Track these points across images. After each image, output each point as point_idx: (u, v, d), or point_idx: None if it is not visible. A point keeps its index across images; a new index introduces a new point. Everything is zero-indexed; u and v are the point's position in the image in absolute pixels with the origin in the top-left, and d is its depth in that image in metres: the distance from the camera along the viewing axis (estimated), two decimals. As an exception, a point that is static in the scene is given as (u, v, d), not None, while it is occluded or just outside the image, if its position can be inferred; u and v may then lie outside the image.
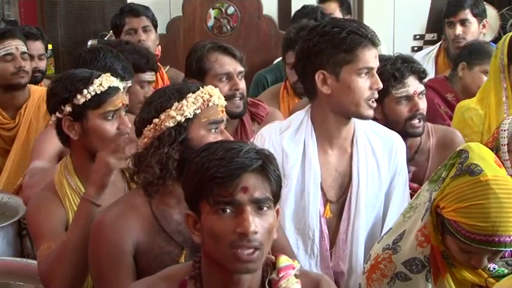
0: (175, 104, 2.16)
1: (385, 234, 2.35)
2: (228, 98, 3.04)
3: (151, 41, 4.28)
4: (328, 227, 2.62)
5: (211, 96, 2.19)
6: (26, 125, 3.87)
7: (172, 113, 2.15)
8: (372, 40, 2.50)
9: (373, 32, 2.53)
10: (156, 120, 2.17)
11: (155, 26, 4.38)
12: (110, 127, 2.46)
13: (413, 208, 2.28)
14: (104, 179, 2.31)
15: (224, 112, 2.23)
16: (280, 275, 1.82)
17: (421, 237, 2.19)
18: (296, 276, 1.84)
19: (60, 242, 2.33)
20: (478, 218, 2.01)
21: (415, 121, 3.02)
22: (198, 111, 2.16)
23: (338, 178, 2.63)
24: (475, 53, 3.85)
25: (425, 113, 3.06)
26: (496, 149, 2.55)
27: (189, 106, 2.16)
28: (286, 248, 2.43)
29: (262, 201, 1.75)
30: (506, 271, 2.14)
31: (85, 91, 2.44)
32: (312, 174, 2.58)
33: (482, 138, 3.15)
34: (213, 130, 2.18)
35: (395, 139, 2.70)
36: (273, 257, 1.86)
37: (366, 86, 2.50)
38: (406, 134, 3.00)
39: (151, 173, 2.15)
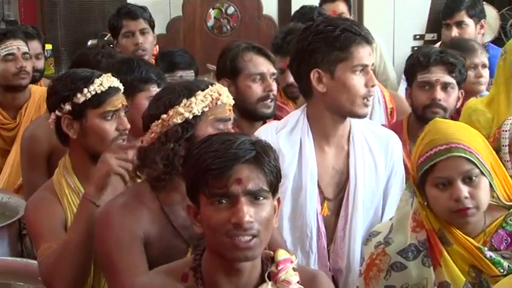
0: (184, 100, 2.18)
1: (372, 236, 2.38)
2: (261, 99, 3.08)
3: (148, 43, 4.26)
4: (326, 225, 2.62)
5: (220, 94, 2.20)
6: (26, 125, 3.86)
7: (180, 109, 2.17)
8: (365, 38, 2.51)
9: (367, 30, 2.55)
10: (164, 116, 2.18)
11: (152, 27, 4.36)
12: (109, 127, 2.47)
13: (398, 208, 2.35)
14: (104, 180, 2.32)
15: (231, 111, 2.24)
16: (279, 268, 1.84)
17: (413, 222, 2.25)
18: (294, 269, 1.86)
19: (61, 242, 2.33)
20: (430, 135, 2.18)
21: (433, 109, 3.08)
22: (206, 109, 2.18)
23: (335, 176, 2.63)
24: (456, 49, 3.87)
25: (448, 105, 3.10)
26: (497, 150, 2.55)
27: (197, 104, 2.17)
28: (281, 246, 2.43)
29: (257, 193, 1.77)
30: (502, 260, 2.15)
31: (85, 90, 2.45)
32: (309, 172, 2.58)
33: (488, 141, 3.13)
34: (220, 129, 2.19)
35: (391, 138, 2.70)
36: (271, 252, 1.88)
37: (361, 83, 2.50)
38: (424, 120, 3.03)
39: (154, 168, 2.16)
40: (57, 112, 2.48)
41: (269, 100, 3.14)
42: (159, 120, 2.19)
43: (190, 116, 2.17)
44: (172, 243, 2.17)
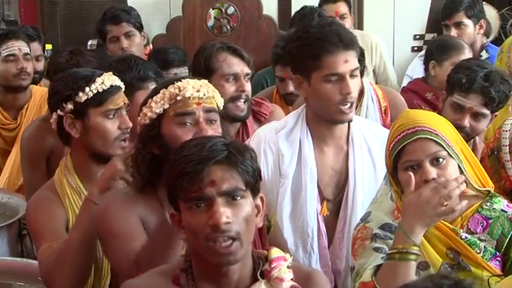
0: (149, 100, 2.21)
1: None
2: (233, 99, 3.07)
3: (135, 45, 4.23)
4: (326, 226, 2.63)
5: (180, 90, 2.18)
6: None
7: (145, 109, 2.21)
8: (343, 44, 2.49)
9: (348, 35, 2.52)
10: (138, 118, 2.23)
11: (139, 28, 4.33)
12: (111, 126, 2.47)
13: (376, 202, 2.37)
14: (109, 182, 2.34)
15: (202, 104, 2.20)
16: (272, 266, 1.84)
17: (395, 211, 2.27)
18: (288, 267, 1.86)
19: (62, 242, 2.33)
20: (399, 121, 2.25)
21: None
22: (166, 107, 2.18)
23: (334, 176, 2.64)
24: (440, 49, 3.88)
25: (473, 132, 3.04)
26: (497, 150, 2.56)
27: (157, 102, 2.19)
28: (283, 247, 2.44)
29: (233, 193, 1.77)
30: (478, 241, 2.19)
31: (87, 89, 2.45)
32: (309, 172, 2.59)
33: (487, 141, 3.14)
34: (186, 123, 2.17)
35: None
36: (265, 251, 1.88)
37: (334, 92, 2.51)
38: None
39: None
40: (59, 111, 2.48)
41: (242, 101, 3.13)
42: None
43: (154, 116, 2.19)
44: (167, 240, 2.16)
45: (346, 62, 2.50)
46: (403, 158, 2.20)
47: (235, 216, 1.76)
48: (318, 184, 2.62)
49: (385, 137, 2.66)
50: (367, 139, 2.66)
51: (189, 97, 2.18)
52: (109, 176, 2.34)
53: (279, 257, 1.86)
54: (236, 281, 1.83)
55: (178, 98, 2.18)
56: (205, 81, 2.26)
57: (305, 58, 2.53)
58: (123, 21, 4.25)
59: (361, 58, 3.40)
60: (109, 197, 2.25)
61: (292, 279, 1.84)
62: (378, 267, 2.18)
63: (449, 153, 2.19)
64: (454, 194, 2.10)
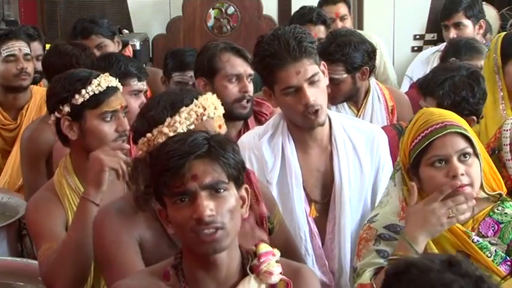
0: (168, 119, 2.09)
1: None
2: (237, 100, 3.07)
3: None
4: (318, 227, 2.62)
5: (205, 108, 2.12)
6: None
7: (164, 129, 2.08)
8: (292, 56, 2.45)
9: (298, 44, 2.46)
10: (149, 135, 2.10)
11: (112, 36, 4.29)
12: (108, 128, 2.47)
13: (382, 203, 2.35)
14: (99, 177, 2.32)
15: (223, 126, 2.16)
16: (261, 260, 1.86)
17: (401, 211, 2.26)
18: (277, 262, 1.88)
19: (61, 242, 2.34)
20: (423, 117, 2.22)
21: None
22: (191, 127, 2.10)
23: (320, 178, 2.63)
24: (465, 49, 3.83)
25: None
26: (498, 149, 2.57)
27: (182, 122, 2.09)
28: (290, 240, 2.47)
29: (215, 186, 1.78)
30: (489, 245, 2.18)
31: (83, 91, 2.44)
32: (293, 175, 2.58)
33: (480, 138, 3.14)
34: None
35: (376, 132, 2.69)
36: (253, 247, 1.90)
37: (295, 103, 2.50)
38: None
39: (136, 189, 2.13)
40: (56, 113, 2.48)
41: (245, 101, 3.13)
42: (145, 139, 2.11)
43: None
44: (167, 253, 2.10)
45: (298, 73, 2.47)
46: (430, 153, 2.17)
47: (220, 208, 1.78)
48: (304, 187, 2.60)
49: (370, 131, 2.67)
50: (351, 136, 2.64)
51: (213, 117, 2.13)
52: (98, 171, 2.32)
53: (268, 252, 1.88)
54: (225, 275, 1.84)
55: (204, 118, 2.11)
56: (215, 96, 2.20)
57: (263, 73, 2.54)
58: (93, 34, 4.23)
59: (372, 56, 3.43)
60: (106, 216, 2.17)
61: (280, 273, 1.86)
62: (377, 269, 2.17)
63: (474, 151, 2.18)
64: (461, 208, 2.10)
